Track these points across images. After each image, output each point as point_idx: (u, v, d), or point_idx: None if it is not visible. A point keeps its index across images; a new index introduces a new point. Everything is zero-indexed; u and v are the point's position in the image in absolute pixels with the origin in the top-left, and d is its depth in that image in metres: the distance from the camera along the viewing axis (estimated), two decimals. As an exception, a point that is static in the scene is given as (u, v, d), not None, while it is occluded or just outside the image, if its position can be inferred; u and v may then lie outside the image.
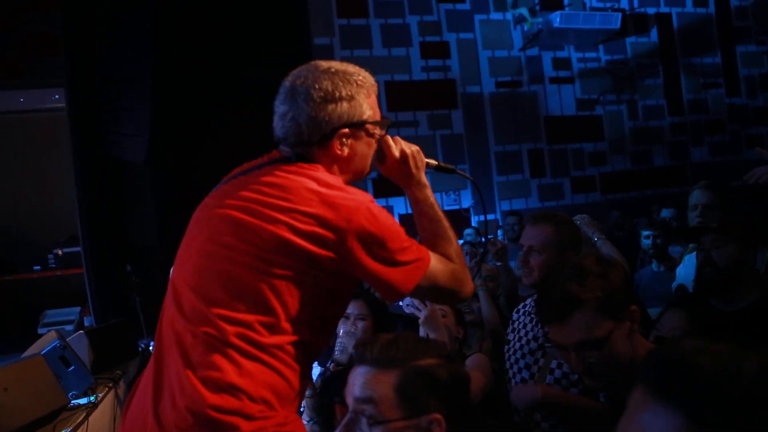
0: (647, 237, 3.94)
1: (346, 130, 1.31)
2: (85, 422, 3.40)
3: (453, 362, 1.21)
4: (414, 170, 1.44)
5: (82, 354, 4.01)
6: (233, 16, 6.95)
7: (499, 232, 6.89)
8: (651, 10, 9.25)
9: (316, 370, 2.55)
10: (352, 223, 1.23)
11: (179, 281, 1.32)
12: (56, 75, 6.45)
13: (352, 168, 1.39)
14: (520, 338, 2.06)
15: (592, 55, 8.94)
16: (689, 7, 9.55)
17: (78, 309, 6.51)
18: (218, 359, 1.17)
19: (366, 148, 1.39)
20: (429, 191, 1.47)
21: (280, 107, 1.35)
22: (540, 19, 8.16)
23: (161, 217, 6.54)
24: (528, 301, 2.22)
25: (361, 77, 1.35)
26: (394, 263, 1.26)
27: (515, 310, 2.24)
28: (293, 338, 1.23)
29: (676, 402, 0.66)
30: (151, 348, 5.56)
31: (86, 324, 6.26)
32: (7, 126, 6.69)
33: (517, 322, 2.15)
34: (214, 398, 1.14)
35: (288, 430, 1.20)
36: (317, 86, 1.29)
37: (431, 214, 1.43)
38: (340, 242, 1.22)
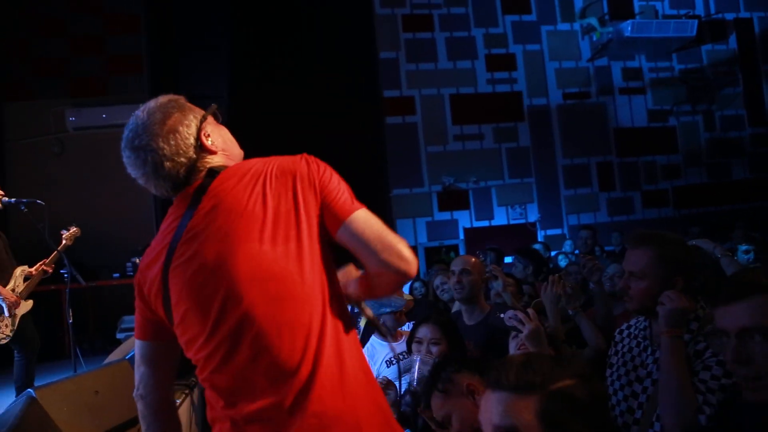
0: (746, 252, 3.70)
1: (203, 130, 1.36)
2: None
3: (591, 380, 1.14)
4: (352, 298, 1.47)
5: (161, 360, 4.15)
6: (304, 35, 7.14)
7: (567, 243, 6.70)
8: (729, 16, 8.84)
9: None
10: (301, 158, 1.33)
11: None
12: (139, 91, 6.82)
13: (233, 152, 1.44)
14: (625, 363, 1.91)
15: (665, 64, 8.62)
16: (772, 12, 9.08)
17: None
18: None
19: (221, 132, 1.45)
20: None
21: (142, 169, 1.32)
22: (610, 29, 7.94)
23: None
24: (633, 321, 2.06)
25: (174, 101, 1.40)
26: (341, 190, 1.32)
27: (618, 330, 2.09)
28: None
29: None
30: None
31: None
32: (92, 140, 7.08)
33: (620, 344, 2.00)
34: None
35: None
36: (157, 129, 1.33)
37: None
38: (304, 175, 1.30)
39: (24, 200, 4.19)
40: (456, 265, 2.79)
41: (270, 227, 1.26)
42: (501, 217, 7.97)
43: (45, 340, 4.73)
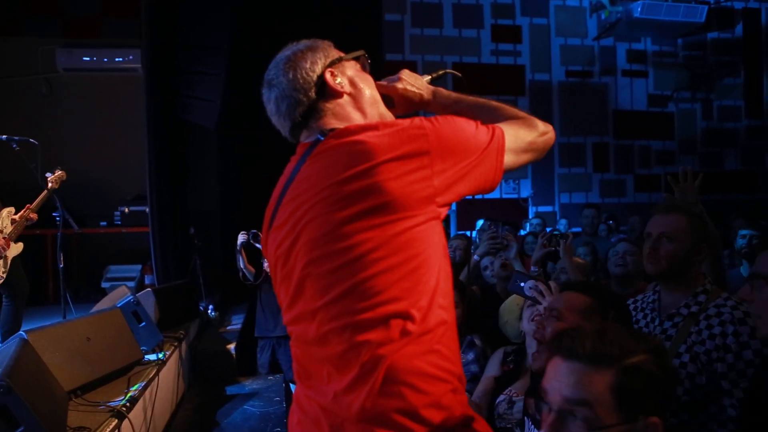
0: (743, 237, 3.75)
1: (331, 69, 1.29)
2: (156, 378, 3.49)
3: (663, 356, 1.11)
4: (418, 90, 1.42)
5: (149, 311, 4.10)
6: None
7: (562, 222, 6.73)
8: (738, 5, 8.78)
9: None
10: (434, 141, 1.18)
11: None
12: (133, 36, 6.58)
13: (368, 101, 1.34)
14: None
15: (670, 49, 8.57)
16: (780, 4, 9.03)
17: (139, 267, 6.69)
18: None
19: (363, 78, 1.35)
20: (445, 92, 1.43)
21: (269, 106, 1.32)
22: (620, 8, 7.83)
23: (224, 183, 6.65)
24: (640, 296, 2.11)
25: (311, 41, 1.34)
26: (480, 159, 1.22)
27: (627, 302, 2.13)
28: None
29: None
30: (210, 311, 5.69)
31: (147, 282, 6.43)
32: (82, 83, 6.86)
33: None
34: None
35: None
36: (283, 64, 1.29)
37: (466, 106, 1.37)
38: (432, 162, 1.16)
39: (16, 138, 4.05)
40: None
41: None
42: (493, 192, 7.96)
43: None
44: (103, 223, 6.73)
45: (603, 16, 8.09)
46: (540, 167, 8.12)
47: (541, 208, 7.96)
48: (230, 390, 4.60)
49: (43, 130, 5.89)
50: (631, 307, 2.06)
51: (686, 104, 8.67)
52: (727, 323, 1.75)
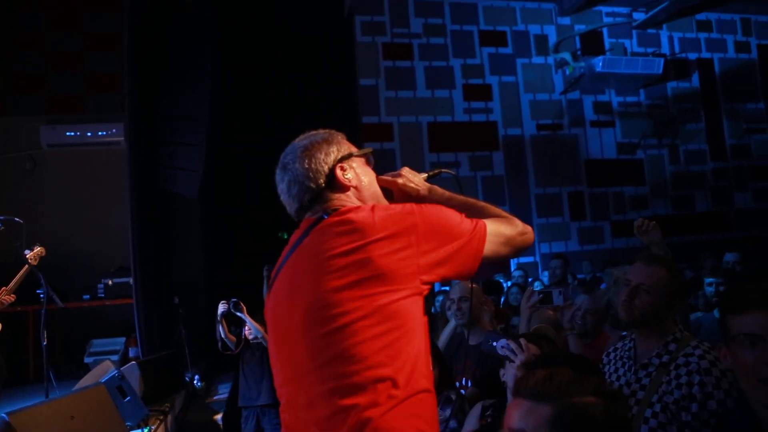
0: (710, 284, 3.87)
1: (341, 163, 1.43)
2: (142, 454, 3.43)
3: (613, 401, 1.17)
4: (416, 186, 1.56)
5: (134, 385, 4.06)
6: (286, 60, 7.22)
7: (545, 274, 6.83)
8: (692, 56, 9.29)
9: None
10: (421, 223, 1.31)
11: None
12: (116, 110, 6.76)
13: (368, 194, 1.48)
14: (611, 383, 2.02)
15: (633, 99, 8.97)
16: (731, 53, 9.56)
17: (123, 339, 6.60)
18: None
19: (367, 173, 1.50)
20: (440, 190, 1.58)
21: (280, 186, 1.48)
22: (582, 64, 8.25)
23: (208, 252, 6.69)
24: (620, 344, 2.18)
25: (327, 133, 1.49)
26: (461, 246, 1.33)
27: (605, 353, 2.20)
28: None
29: None
30: (196, 381, 5.62)
31: (131, 354, 6.33)
32: (66, 158, 6.96)
33: (608, 366, 2.11)
34: None
35: None
36: (299, 152, 1.43)
37: (457, 203, 1.50)
38: (417, 242, 1.28)
39: (1, 217, 4.10)
40: (455, 293, 2.88)
41: None
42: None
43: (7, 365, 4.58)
44: (86, 297, 6.67)
45: (567, 72, 8.50)
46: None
47: (522, 260, 8.08)
48: (218, 462, 4.50)
49: (27, 205, 5.95)
50: (612, 355, 2.14)
51: (654, 150, 9.01)
52: (694, 373, 1.82)
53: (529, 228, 1.51)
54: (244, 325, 4.66)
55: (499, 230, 1.43)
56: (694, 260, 6.87)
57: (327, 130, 1.50)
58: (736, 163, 9.33)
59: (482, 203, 1.55)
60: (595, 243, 8.45)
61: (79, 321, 6.78)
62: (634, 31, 9.07)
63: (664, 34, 9.25)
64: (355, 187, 1.44)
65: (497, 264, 7.94)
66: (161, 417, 4.20)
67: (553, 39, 8.73)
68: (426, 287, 1.31)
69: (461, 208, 1.45)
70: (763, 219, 9.02)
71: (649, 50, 8.91)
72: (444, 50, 8.39)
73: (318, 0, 7.92)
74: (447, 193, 1.59)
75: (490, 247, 1.39)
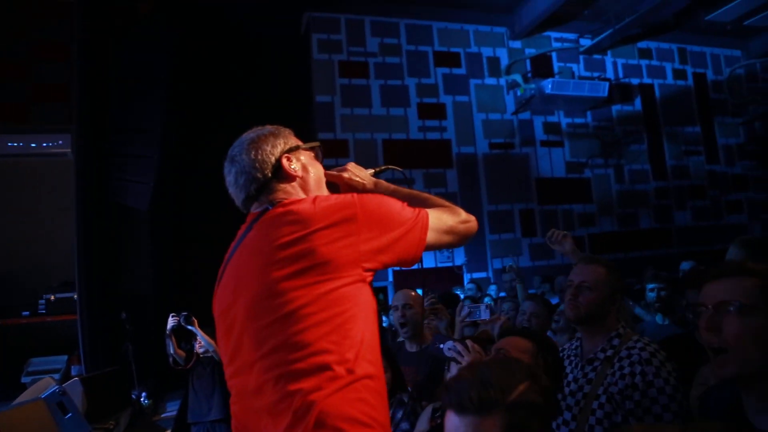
0: (652, 290, 4.03)
1: (288, 154, 1.46)
2: (83, 473, 3.28)
3: (538, 377, 1.20)
4: (361, 180, 1.62)
5: (77, 402, 3.89)
6: (242, 74, 7.20)
7: (492, 288, 6.95)
8: (635, 81, 9.76)
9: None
10: (361, 212, 1.33)
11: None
12: (62, 121, 6.56)
13: (314, 185, 1.51)
14: (565, 377, 2.09)
15: (581, 120, 9.33)
16: (669, 79, 10.10)
17: (65, 357, 6.33)
18: None
19: (314, 165, 1.53)
20: (385, 184, 1.65)
21: (228, 177, 1.51)
22: (532, 86, 8.54)
23: (158, 266, 6.52)
24: (567, 345, 2.27)
25: (275, 127, 1.53)
26: (403, 234, 1.36)
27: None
28: None
29: None
30: (143, 399, 5.44)
31: (74, 373, 6.08)
32: (7, 169, 6.70)
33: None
34: None
35: None
36: (247, 144, 1.47)
37: (401, 196, 1.55)
38: (359, 230, 1.31)
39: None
40: (398, 300, 2.90)
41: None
42: (429, 260, 8.17)
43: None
44: (26, 313, 6.39)
45: (519, 93, 8.78)
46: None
47: (476, 275, 8.21)
48: (165, 481, 4.34)
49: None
50: (561, 354, 2.23)
51: (600, 170, 9.36)
52: (635, 363, 1.91)
53: (472, 217, 1.56)
54: (195, 340, 4.55)
55: (442, 219, 1.47)
56: (638, 275, 7.14)
57: (275, 126, 1.53)
58: (676, 182, 9.80)
59: (426, 195, 1.59)
60: (546, 259, 8.67)
61: (18, 338, 6.47)
62: (581, 56, 9.47)
63: (608, 60, 9.70)
64: (301, 178, 1.47)
65: (453, 276, 8.06)
66: (105, 435, 4.03)
67: (504, 61, 9.02)
68: (369, 274, 1.34)
69: (405, 199, 1.48)
70: (701, 236, 9.48)
71: (595, 74, 9.31)
72: (399, 69, 8.55)
73: (275, 17, 7.97)
74: (392, 186, 1.62)
75: (432, 235, 1.42)
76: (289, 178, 1.44)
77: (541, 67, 9.16)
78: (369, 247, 1.31)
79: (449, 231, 1.48)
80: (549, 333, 3.33)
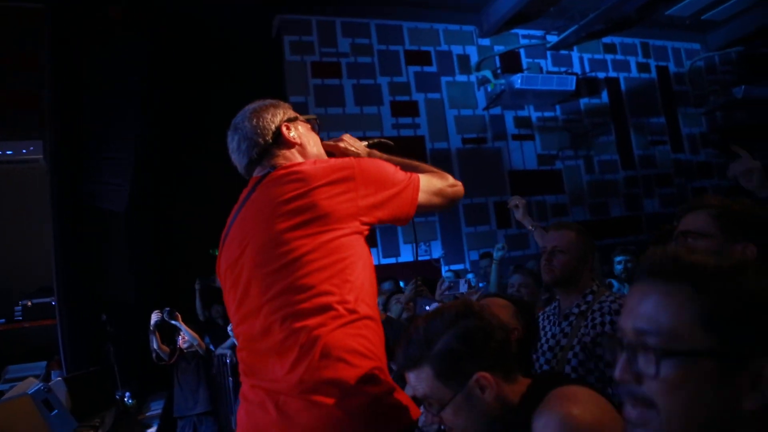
0: (619, 262, 4.20)
1: (287, 123, 1.58)
2: (71, 466, 3.30)
3: (465, 317, 1.32)
4: (356, 150, 1.77)
5: (61, 401, 3.90)
6: (215, 77, 7.25)
7: (470, 276, 7.10)
8: (601, 75, 10.04)
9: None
10: (359, 171, 1.46)
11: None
12: (34, 128, 6.53)
13: (312, 153, 1.64)
14: (547, 340, 2.26)
15: (550, 114, 9.56)
16: (634, 73, 10.40)
17: (44, 364, 6.28)
18: None
19: (311, 135, 1.67)
20: (378, 153, 1.80)
21: (231, 144, 1.64)
22: (502, 81, 8.74)
23: (137, 267, 6.52)
24: (548, 308, 2.44)
25: (275, 100, 1.69)
26: (397, 192, 1.50)
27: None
28: None
29: (683, 278, 0.76)
30: (127, 398, 5.43)
31: (54, 378, 6.02)
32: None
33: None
34: None
35: None
36: (249, 113, 1.62)
37: (395, 163, 1.68)
38: (356, 187, 1.44)
39: None
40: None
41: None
42: (407, 254, 8.29)
43: None
44: (2, 320, 6.33)
45: (489, 89, 8.98)
46: (448, 228, 8.60)
47: (453, 267, 8.35)
48: (153, 474, 4.37)
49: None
50: (541, 317, 2.38)
51: (571, 161, 9.60)
52: (606, 314, 2.07)
53: (459, 183, 1.69)
54: (178, 335, 4.59)
55: (432, 182, 1.60)
56: (611, 262, 7.35)
57: (275, 99, 1.64)
58: (644, 172, 10.08)
59: (417, 162, 1.73)
60: (521, 249, 8.85)
61: (-5, 347, 6.41)
62: (548, 52, 9.71)
63: (575, 55, 9.96)
64: (300, 145, 1.59)
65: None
66: (91, 431, 4.04)
67: (474, 58, 9.21)
68: (365, 228, 1.45)
69: (398, 165, 1.61)
70: (669, 222, 9.76)
71: (563, 69, 9.56)
72: (371, 69, 8.66)
73: (247, 21, 8.03)
74: (386, 156, 1.75)
75: (424, 196, 1.55)
76: (289, 144, 1.56)
77: (510, 63, 9.37)
78: (366, 203, 1.43)
79: (438, 193, 1.61)
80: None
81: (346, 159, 1.51)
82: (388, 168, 1.52)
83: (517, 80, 8.50)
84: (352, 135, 1.83)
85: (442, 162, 8.75)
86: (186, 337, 4.57)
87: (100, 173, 5.79)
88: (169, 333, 4.86)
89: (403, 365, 1.27)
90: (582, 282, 2.25)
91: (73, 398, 4.20)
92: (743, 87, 10.06)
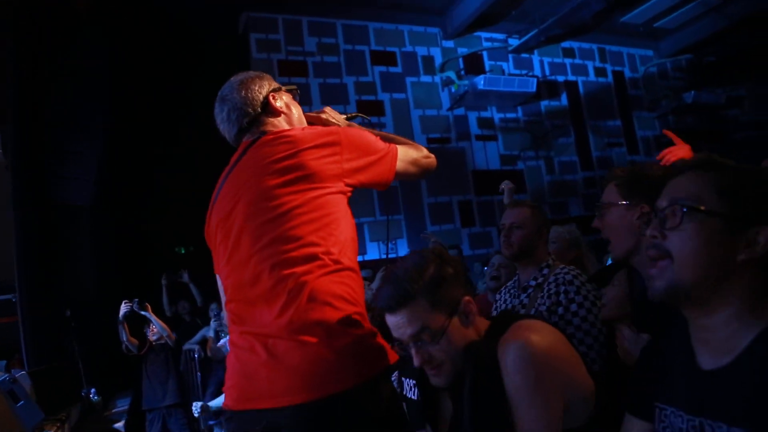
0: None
1: (273, 93, 1.71)
2: (40, 456, 3.27)
3: (441, 253, 1.47)
4: (337, 122, 1.89)
5: (27, 393, 3.84)
6: (182, 71, 7.22)
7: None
8: (560, 78, 10.39)
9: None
10: (344, 137, 1.59)
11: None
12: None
13: (297, 121, 1.76)
14: (505, 307, 2.41)
15: (512, 115, 9.84)
16: (592, 77, 10.80)
17: (4, 363, 6.11)
18: None
19: (294, 105, 1.79)
20: (357, 125, 1.94)
21: (220, 115, 1.75)
22: (466, 82, 8.96)
23: (102, 263, 6.43)
24: (509, 282, 2.59)
25: (258, 72, 1.80)
26: (377, 159, 1.63)
27: (498, 293, 2.60)
28: None
29: (710, 168, 1.08)
30: (92, 395, 5.37)
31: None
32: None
33: (499, 299, 2.52)
34: None
35: None
36: (236, 85, 1.73)
37: (374, 135, 1.81)
38: (341, 151, 1.56)
39: None
40: None
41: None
42: (373, 252, 8.40)
43: None
44: (-41, 320, 6.14)
45: (453, 90, 9.18)
46: (413, 227, 8.75)
47: (420, 263, 8.49)
48: (122, 466, 4.34)
49: None
50: (503, 291, 2.52)
51: (532, 162, 9.90)
52: (560, 284, 2.22)
53: (432, 155, 1.83)
54: (147, 327, 4.57)
55: (408, 152, 1.73)
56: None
57: (257, 71, 1.75)
58: (601, 172, 10.45)
59: (393, 135, 1.86)
60: (485, 247, 9.07)
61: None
62: (509, 55, 10.00)
63: (536, 59, 10.28)
64: (286, 114, 1.70)
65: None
66: (58, 424, 4.00)
67: (438, 60, 9.41)
68: (348, 189, 1.57)
69: (378, 137, 1.75)
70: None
71: (524, 72, 9.85)
72: (338, 68, 8.76)
73: (214, 16, 8.02)
74: (365, 129, 1.87)
75: (401, 164, 1.69)
76: (276, 113, 1.67)
77: (473, 65, 9.61)
78: (350, 166, 1.55)
79: (414, 163, 1.75)
80: None
81: (333, 127, 1.63)
82: (369, 137, 1.65)
83: (480, 81, 8.73)
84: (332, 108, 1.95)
85: (407, 161, 8.91)
86: (156, 328, 4.56)
87: (63, 167, 5.70)
88: (137, 326, 4.83)
89: (394, 304, 1.39)
90: (538, 255, 2.41)
91: (38, 392, 4.13)
92: (693, 92, 10.58)
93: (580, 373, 1.38)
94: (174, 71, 7.23)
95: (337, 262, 1.47)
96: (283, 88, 1.75)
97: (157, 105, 6.85)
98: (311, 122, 1.82)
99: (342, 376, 1.34)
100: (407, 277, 1.42)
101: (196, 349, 5.50)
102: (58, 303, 5.75)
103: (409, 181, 8.92)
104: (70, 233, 6.33)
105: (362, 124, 1.98)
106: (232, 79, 1.71)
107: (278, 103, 1.69)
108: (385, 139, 1.75)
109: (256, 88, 1.67)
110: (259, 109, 1.65)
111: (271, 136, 1.58)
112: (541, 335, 1.36)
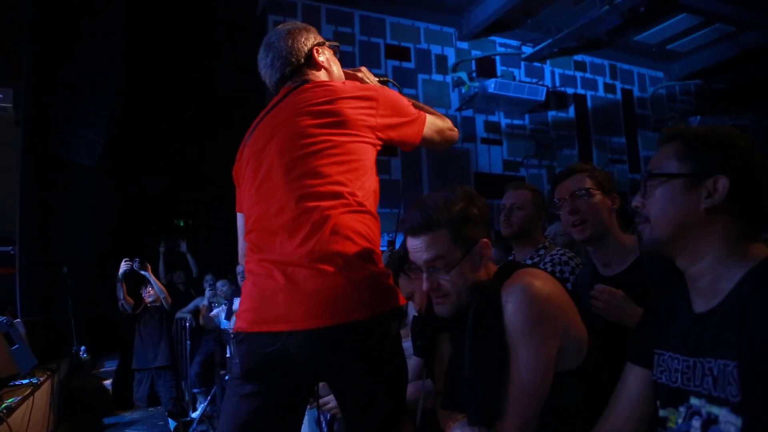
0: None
1: (317, 47, 1.80)
2: (31, 397, 3.31)
3: (473, 195, 1.55)
4: (371, 81, 1.99)
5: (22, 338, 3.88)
6: (197, 49, 7.28)
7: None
8: (570, 90, 10.48)
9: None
10: (381, 95, 1.71)
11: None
12: (4, 76, 6.40)
13: (337, 75, 1.86)
14: None
15: (519, 122, 9.93)
16: (601, 92, 10.90)
17: (-3, 314, 6.15)
18: None
19: (335, 60, 1.89)
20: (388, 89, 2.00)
21: (264, 60, 1.82)
22: (476, 84, 9.04)
23: (101, 225, 6.47)
24: (510, 256, 2.65)
25: (305, 24, 1.91)
26: (409, 121, 1.75)
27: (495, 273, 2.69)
28: None
29: (676, 137, 1.27)
30: (82, 353, 5.42)
31: (6, 329, 5.92)
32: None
33: None
34: None
35: None
36: (284, 34, 1.82)
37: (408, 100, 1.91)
38: (377, 107, 1.67)
39: None
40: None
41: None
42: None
43: None
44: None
45: (463, 91, 9.26)
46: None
47: (415, 258, 8.57)
48: (108, 420, 4.39)
49: None
50: None
51: (534, 170, 9.98)
52: (556, 264, 2.30)
53: (456, 129, 1.92)
54: (144, 288, 4.61)
55: (436, 122, 1.82)
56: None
57: (304, 23, 1.83)
58: (601, 187, 10.55)
59: (423, 105, 1.95)
60: (480, 249, 9.14)
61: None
62: (522, 63, 10.09)
63: (547, 69, 10.37)
64: (326, 69, 1.77)
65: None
66: (48, 372, 4.04)
67: (452, 60, 9.49)
68: (379, 143, 1.64)
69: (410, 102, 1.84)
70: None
71: (534, 80, 9.94)
72: (352, 58, 8.82)
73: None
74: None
75: (428, 131, 1.78)
76: (318, 66, 1.75)
77: (485, 68, 9.69)
78: (383, 122, 1.63)
79: (439, 132, 1.84)
80: None
81: (371, 85, 1.71)
82: (404, 100, 1.74)
83: (491, 84, 8.81)
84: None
85: (412, 156, 8.99)
86: (153, 289, 4.61)
87: (74, 126, 5.74)
88: (133, 287, 4.88)
89: (418, 228, 1.47)
90: (535, 236, 2.49)
91: (30, 341, 4.17)
92: (699, 117, 10.70)
93: (575, 321, 1.47)
94: (189, 47, 7.29)
95: (360, 204, 1.55)
96: (327, 43, 1.83)
97: (170, 79, 6.90)
98: (347, 78, 1.90)
99: (357, 307, 1.42)
100: (435, 206, 1.51)
101: (188, 318, 5.55)
102: (57, 259, 5.80)
103: (411, 181, 9.02)
104: (74, 192, 6.37)
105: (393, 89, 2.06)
106: (279, 27, 1.79)
107: (321, 57, 1.77)
108: (415, 106, 1.83)
109: (302, 40, 1.75)
110: (302, 60, 1.74)
111: (312, 84, 1.67)
112: (543, 281, 1.47)
